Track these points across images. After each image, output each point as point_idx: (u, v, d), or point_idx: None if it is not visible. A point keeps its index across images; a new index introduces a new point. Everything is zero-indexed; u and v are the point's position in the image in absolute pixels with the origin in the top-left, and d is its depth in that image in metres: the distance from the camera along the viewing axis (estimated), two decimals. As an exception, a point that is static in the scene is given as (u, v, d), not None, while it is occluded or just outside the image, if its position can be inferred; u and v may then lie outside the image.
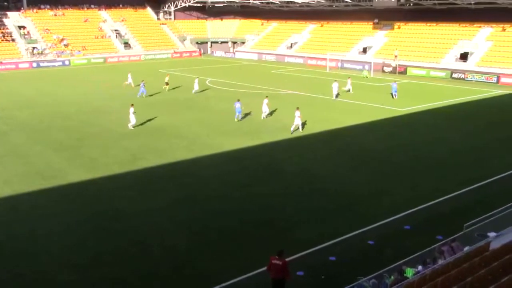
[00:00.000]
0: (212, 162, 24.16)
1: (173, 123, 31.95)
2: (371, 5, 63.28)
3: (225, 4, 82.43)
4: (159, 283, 13.79)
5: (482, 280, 9.76)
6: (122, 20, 78.57)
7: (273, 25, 79.29)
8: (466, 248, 13.21)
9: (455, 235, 14.94)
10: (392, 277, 12.30)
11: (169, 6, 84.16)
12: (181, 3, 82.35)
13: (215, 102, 39.17)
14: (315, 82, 50.22)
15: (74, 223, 17.40)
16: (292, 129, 29.26)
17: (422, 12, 61.59)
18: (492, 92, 44.37)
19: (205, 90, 44.81)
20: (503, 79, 49.04)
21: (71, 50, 68.86)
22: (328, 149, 26.50)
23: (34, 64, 64.94)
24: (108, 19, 78.04)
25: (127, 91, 44.00)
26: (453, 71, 53.00)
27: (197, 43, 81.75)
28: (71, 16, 75.48)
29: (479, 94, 43.21)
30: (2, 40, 66.26)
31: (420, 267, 12.73)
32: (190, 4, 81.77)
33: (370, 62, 57.92)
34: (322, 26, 72.75)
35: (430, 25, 61.38)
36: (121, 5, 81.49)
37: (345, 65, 61.35)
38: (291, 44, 72.29)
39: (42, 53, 66.84)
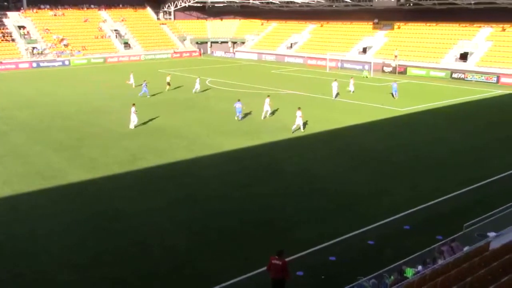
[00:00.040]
0: (212, 162, 24.17)
1: (173, 123, 31.95)
2: (371, 5, 63.29)
3: (225, 4, 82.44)
4: (159, 283, 13.79)
5: (482, 280, 9.76)
6: (122, 20, 78.58)
7: (273, 25, 79.30)
8: (466, 248, 13.21)
9: (455, 235, 14.95)
10: (392, 277, 12.30)
11: (169, 6, 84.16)
12: (181, 3, 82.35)
13: (215, 102, 39.17)
14: (315, 82, 50.23)
15: (74, 223, 17.41)
16: (293, 128, 29.29)
17: (422, 12, 61.60)
18: (492, 92, 44.38)
19: (205, 90, 44.80)
20: (503, 79, 49.05)
21: (71, 50, 68.87)
22: (328, 149, 26.50)
23: (34, 64, 64.96)
24: (108, 19, 78.05)
25: (127, 91, 44.00)
26: (453, 71, 53.02)
27: (197, 43, 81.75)
28: (71, 16, 75.49)
29: (479, 94, 43.22)
30: (2, 40, 66.26)
31: (420, 267, 12.73)
32: (190, 4, 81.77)
33: (370, 62, 57.92)
34: (322, 26, 72.76)
35: (430, 25, 61.39)
36: (121, 5, 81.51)
37: (345, 65, 61.36)
38: (291, 44, 72.30)
39: (42, 53, 66.85)
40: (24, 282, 13.81)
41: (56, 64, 66.15)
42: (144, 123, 31.58)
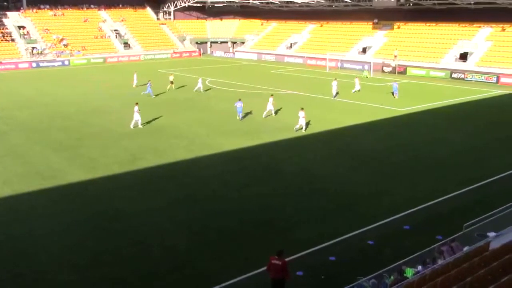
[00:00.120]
0: (212, 162, 24.17)
1: (173, 123, 31.95)
2: (371, 5, 63.28)
3: (225, 4, 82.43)
4: (159, 283, 13.79)
5: (481, 280, 9.77)
6: (122, 20, 78.56)
7: (273, 25, 79.30)
8: (465, 248, 13.21)
9: (455, 235, 14.96)
10: (392, 277, 12.31)
11: (168, 6, 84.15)
12: (180, 3, 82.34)
13: (215, 102, 39.18)
14: (314, 82, 50.23)
15: (74, 223, 17.40)
16: (295, 128, 29.35)
17: (422, 12, 61.60)
18: (491, 92, 44.38)
19: (205, 90, 44.78)
20: (502, 79, 49.04)
21: (71, 50, 68.85)
22: (328, 149, 26.51)
23: (34, 64, 64.93)
24: (107, 19, 78.03)
25: (127, 91, 44.02)
26: (452, 71, 53.01)
27: (196, 43, 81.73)
28: (71, 16, 75.48)
29: (479, 94, 43.22)
30: (2, 40, 66.24)
31: (419, 267, 12.73)
32: (189, 4, 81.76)
33: (370, 62, 57.92)
34: (321, 26, 72.76)
35: (429, 25, 61.39)
36: (120, 5, 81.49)
37: (345, 65, 61.36)
38: (291, 44, 72.29)
39: (41, 53, 66.82)
40: (24, 282, 13.81)
41: (55, 64, 66.13)
42: (144, 123, 31.56)
